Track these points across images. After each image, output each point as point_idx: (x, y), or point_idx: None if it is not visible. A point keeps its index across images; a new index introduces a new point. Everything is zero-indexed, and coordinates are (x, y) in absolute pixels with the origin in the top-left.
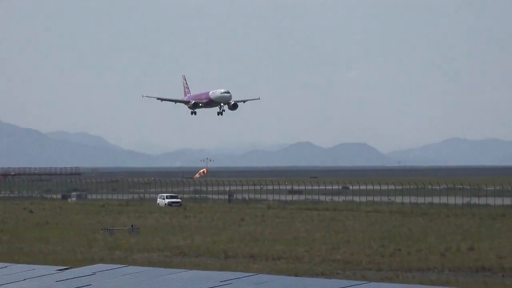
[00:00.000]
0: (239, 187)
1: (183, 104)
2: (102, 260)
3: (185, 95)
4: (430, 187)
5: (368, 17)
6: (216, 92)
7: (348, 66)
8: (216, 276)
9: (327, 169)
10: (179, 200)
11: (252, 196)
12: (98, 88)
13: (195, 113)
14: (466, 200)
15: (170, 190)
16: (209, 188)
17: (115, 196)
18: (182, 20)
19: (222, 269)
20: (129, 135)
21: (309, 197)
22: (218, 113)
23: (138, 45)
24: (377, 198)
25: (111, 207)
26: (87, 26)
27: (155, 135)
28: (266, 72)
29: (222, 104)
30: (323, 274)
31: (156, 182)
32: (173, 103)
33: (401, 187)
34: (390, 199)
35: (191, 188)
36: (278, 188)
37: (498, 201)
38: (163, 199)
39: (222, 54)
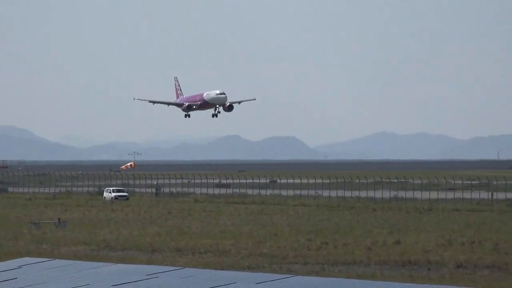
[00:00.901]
0: (166, 181)
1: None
2: (29, 254)
3: (177, 97)
4: (357, 181)
5: (298, 10)
6: (210, 93)
7: (276, 60)
8: (143, 269)
9: (255, 163)
10: (125, 194)
11: (179, 189)
12: (26, 81)
13: (188, 115)
14: (393, 194)
15: (98, 183)
16: (137, 182)
17: (42, 190)
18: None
19: (148, 262)
20: (57, 128)
21: (237, 190)
22: (213, 115)
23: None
24: (304, 192)
25: (38, 201)
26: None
27: (83, 128)
28: (197, 65)
29: (217, 105)
30: (249, 268)
31: (84, 175)
32: (166, 105)
33: (328, 181)
34: (317, 192)
35: (119, 182)
36: (206, 181)
37: (425, 195)
38: (110, 192)
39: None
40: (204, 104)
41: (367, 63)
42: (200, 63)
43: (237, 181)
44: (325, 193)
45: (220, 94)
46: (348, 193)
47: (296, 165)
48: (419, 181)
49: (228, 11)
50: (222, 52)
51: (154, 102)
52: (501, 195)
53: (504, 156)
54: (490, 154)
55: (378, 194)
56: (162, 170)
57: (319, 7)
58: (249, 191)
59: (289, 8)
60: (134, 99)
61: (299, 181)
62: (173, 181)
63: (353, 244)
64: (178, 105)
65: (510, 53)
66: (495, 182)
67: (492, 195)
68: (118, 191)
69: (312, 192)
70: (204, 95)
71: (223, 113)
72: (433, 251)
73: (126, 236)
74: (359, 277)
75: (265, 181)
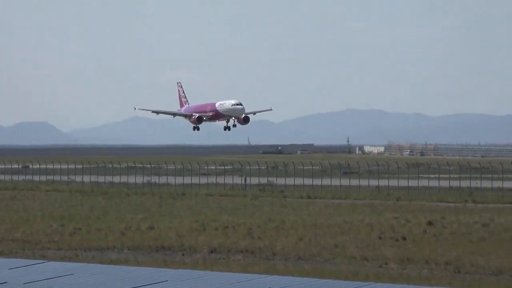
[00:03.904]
0: None
1: None
2: None
3: (181, 105)
4: (110, 165)
5: None
6: (225, 104)
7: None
8: None
9: (6, 148)
10: None
11: None
12: None
13: (198, 128)
14: (146, 179)
15: None
16: None
17: None
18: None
19: None
20: None
21: None
22: (226, 128)
23: None
24: (57, 177)
25: None
26: None
27: None
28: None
29: (233, 117)
30: (2, 254)
31: None
32: (172, 116)
33: (81, 166)
34: (70, 178)
35: None
36: None
37: (179, 180)
38: None
39: None
40: (217, 116)
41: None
42: None
43: None
44: (78, 178)
45: (237, 104)
46: (101, 178)
47: (48, 150)
48: (172, 166)
49: None
50: None
51: (158, 112)
52: (254, 180)
53: (253, 141)
54: (241, 140)
55: (132, 179)
56: None
57: None
58: (1, 177)
59: None
60: (135, 108)
61: (52, 166)
62: None
63: (107, 230)
64: (186, 116)
65: None
66: (248, 167)
67: (245, 180)
68: None
69: (65, 178)
70: (217, 105)
71: None
72: (187, 236)
73: None
74: (112, 262)
75: (17, 166)
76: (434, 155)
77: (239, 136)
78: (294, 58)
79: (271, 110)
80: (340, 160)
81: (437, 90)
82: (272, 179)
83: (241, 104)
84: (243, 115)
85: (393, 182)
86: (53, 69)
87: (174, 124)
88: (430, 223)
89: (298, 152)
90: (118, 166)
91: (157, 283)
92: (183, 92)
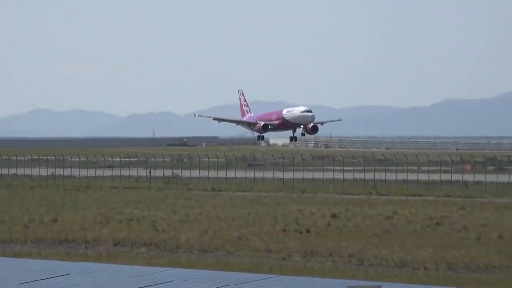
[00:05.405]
0: None
1: None
2: None
3: (243, 114)
4: (14, 158)
5: None
6: (293, 111)
7: None
8: None
9: None
10: None
11: None
12: None
13: (262, 138)
14: (50, 171)
15: None
16: None
17: None
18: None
19: None
20: None
21: None
22: (292, 139)
23: None
24: None
25: None
26: None
27: None
28: None
29: (302, 126)
30: None
31: None
32: (235, 124)
33: None
34: None
35: None
36: None
37: (83, 172)
38: None
39: None
40: (284, 124)
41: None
42: None
43: None
44: None
45: (307, 111)
46: (5, 171)
47: None
48: (77, 159)
49: None
50: None
51: (219, 120)
52: (159, 172)
53: (158, 134)
54: (146, 132)
55: (36, 171)
56: None
57: None
58: None
59: None
60: (195, 115)
61: None
62: None
63: (10, 222)
64: (250, 124)
65: None
66: (152, 159)
67: (150, 172)
68: None
69: None
70: (284, 112)
71: None
72: (90, 228)
73: None
74: (15, 255)
75: None
76: (339, 147)
77: (144, 128)
78: (188, 52)
79: (340, 120)
80: (245, 152)
81: (340, 82)
82: (177, 172)
83: (311, 111)
84: (312, 124)
85: (298, 175)
86: None
87: (78, 117)
88: (334, 216)
89: (203, 144)
90: (22, 158)
91: (59, 276)
92: (245, 100)
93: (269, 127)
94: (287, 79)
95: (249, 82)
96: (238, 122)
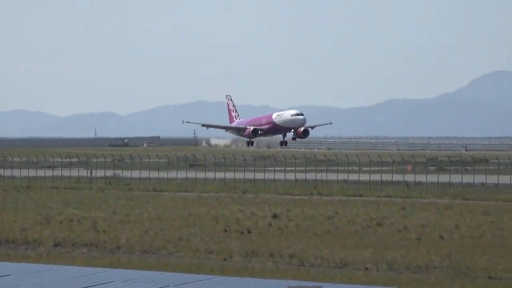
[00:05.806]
0: None
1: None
2: None
3: (232, 119)
4: None
5: None
6: (283, 114)
7: None
8: None
9: None
10: None
11: None
12: None
13: (252, 143)
14: None
15: None
16: None
17: None
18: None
19: None
20: None
21: None
22: (282, 143)
23: None
24: None
25: None
26: None
27: None
28: None
29: (292, 130)
30: None
31: None
32: (223, 130)
33: None
34: None
35: None
36: None
37: (24, 172)
38: None
39: None
40: (274, 128)
41: None
42: None
43: None
44: None
45: (297, 115)
46: None
47: None
48: (17, 159)
49: None
50: None
51: (208, 126)
52: (100, 173)
53: (100, 134)
54: (88, 132)
55: None
56: None
57: None
58: None
59: None
60: (183, 122)
61: None
62: None
63: None
64: (238, 129)
65: None
66: (94, 160)
67: (91, 172)
68: None
69: None
70: (274, 116)
71: None
72: (31, 229)
73: None
74: None
75: None
76: (280, 147)
77: (86, 128)
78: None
79: (331, 123)
80: (187, 152)
81: (283, 83)
82: (118, 172)
83: (302, 114)
84: (303, 128)
85: (240, 175)
86: None
87: (19, 117)
88: (275, 216)
89: (145, 145)
90: None
91: (0, 276)
92: (234, 105)
93: (259, 132)
94: (233, 79)
95: (200, 82)
96: (227, 128)
